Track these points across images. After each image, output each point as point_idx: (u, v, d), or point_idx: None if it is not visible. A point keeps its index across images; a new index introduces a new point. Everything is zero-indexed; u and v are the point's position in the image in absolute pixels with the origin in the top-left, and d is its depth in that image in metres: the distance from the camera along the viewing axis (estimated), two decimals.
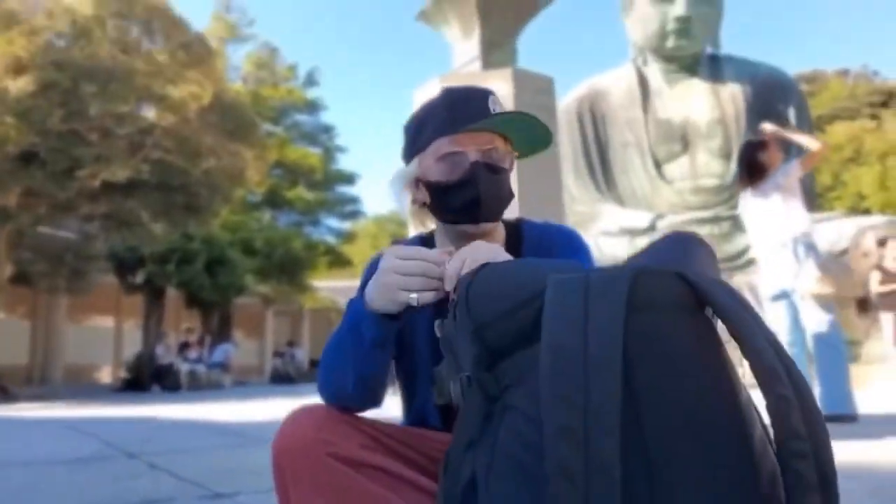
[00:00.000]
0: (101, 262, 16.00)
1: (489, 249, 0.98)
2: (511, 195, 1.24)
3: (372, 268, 1.27)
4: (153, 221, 13.96)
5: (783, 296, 4.41)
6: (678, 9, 16.75)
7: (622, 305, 0.72)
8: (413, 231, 1.40)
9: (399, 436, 1.14)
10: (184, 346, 17.01)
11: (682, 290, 0.76)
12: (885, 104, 27.16)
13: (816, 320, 4.24)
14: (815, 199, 14.64)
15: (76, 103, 10.07)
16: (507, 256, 0.97)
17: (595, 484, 0.65)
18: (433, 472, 1.08)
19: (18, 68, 9.49)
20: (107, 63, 9.57)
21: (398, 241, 1.41)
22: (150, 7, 9.57)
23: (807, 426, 0.70)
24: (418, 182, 1.24)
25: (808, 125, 16.50)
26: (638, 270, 0.78)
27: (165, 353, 16.32)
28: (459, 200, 1.18)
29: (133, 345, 18.70)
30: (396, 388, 1.35)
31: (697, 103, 17.28)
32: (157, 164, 11.82)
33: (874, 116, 26.59)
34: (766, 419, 0.72)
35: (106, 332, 20.63)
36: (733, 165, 16.02)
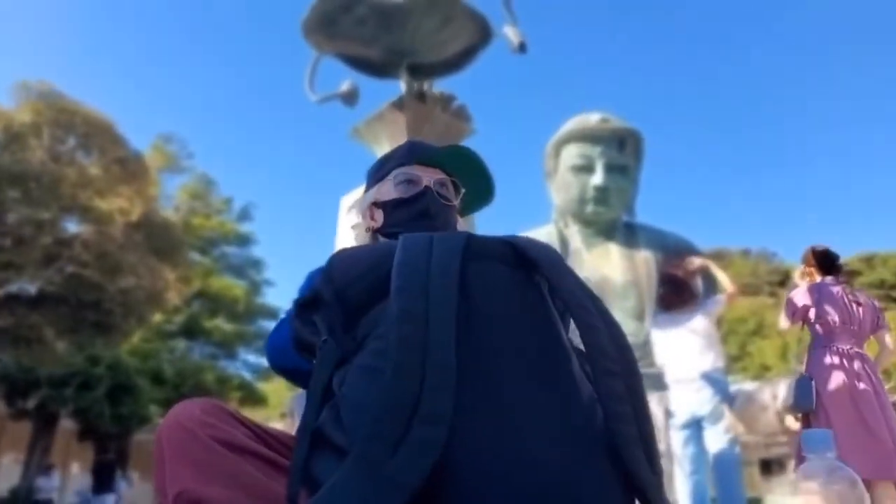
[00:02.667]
0: None
1: None
2: (456, 229, 1.36)
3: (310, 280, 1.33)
4: (57, 339, 13.28)
5: (692, 424, 4.48)
6: (597, 179, 18.24)
7: (459, 251, 0.87)
8: None
9: (281, 436, 1.18)
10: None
11: (508, 249, 0.92)
12: (782, 283, 29.41)
13: (719, 441, 4.32)
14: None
15: None
16: None
17: (433, 352, 0.74)
18: None
19: None
20: (36, 169, 9.57)
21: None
22: (90, 121, 9.79)
23: (616, 349, 0.81)
24: (372, 209, 1.36)
25: (715, 292, 17.52)
26: (471, 233, 0.96)
27: (47, 488, 14.80)
28: (410, 213, 1.30)
29: (9, 480, 16.90)
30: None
31: (613, 266, 18.32)
32: (71, 278, 11.48)
33: (773, 294, 28.75)
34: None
35: None
36: (646, 325, 16.78)
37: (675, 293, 4.73)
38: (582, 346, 0.83)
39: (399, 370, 0.72)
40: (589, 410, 0.78)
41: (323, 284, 0.91)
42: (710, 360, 4.47)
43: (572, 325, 0.86)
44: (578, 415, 0.77)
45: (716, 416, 4.38)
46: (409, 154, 1.36)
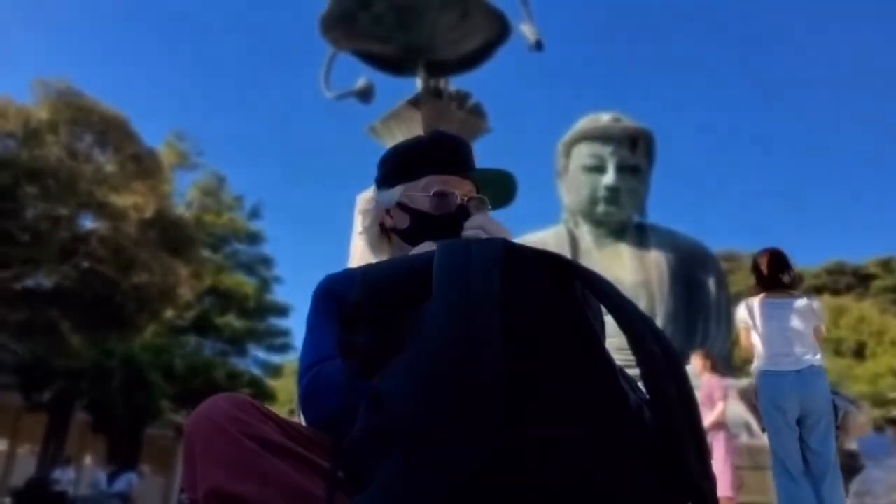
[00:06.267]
0: (5, 374, 15.03)
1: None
2: None
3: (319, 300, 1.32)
4: (72, 333, 13.46)
5: (792, 421, 4.00)
6: (608, 179, 18.19)
7: (499, 255, 0.85)
8: (361, 256, 1.51)
9: (307, 432, 1.17)
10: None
11: (544, 255, 0.89)
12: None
13: (820, 445, 3.93)
14: (733, 371, 15.04)
15: (13, 203, 10.04)
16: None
17: (480, 353, 0.72)
18: None
19: None
20: (53, 166, 9.71)
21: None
22: (106, 118, 9.91)
23: (661, 351, 0.78)
24: (396, 209, 1.37)
25: (727, 296, 17.44)
26: (507, 240, 0.92)
27: (64, 480, 14.96)
28: (441, 232, 1.30)
29: (26, 472, 17.08)
30: None
31: (624, 266, 18.25)
32: (87, 273, 11.64)
33: None
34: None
35: None
36: (657, 324, 16.71)
37: (781, 271, 4.26)
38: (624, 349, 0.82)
39: (446, 369, 0.71)
40: (637, 415, 0.78)
41: (360, 294, 0.91)
42: (817, 354, 3.99)
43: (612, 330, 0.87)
44: (627, 419, 0.76)
45: (820, 417, 3.90)
46: (446, 161, 1.38)
